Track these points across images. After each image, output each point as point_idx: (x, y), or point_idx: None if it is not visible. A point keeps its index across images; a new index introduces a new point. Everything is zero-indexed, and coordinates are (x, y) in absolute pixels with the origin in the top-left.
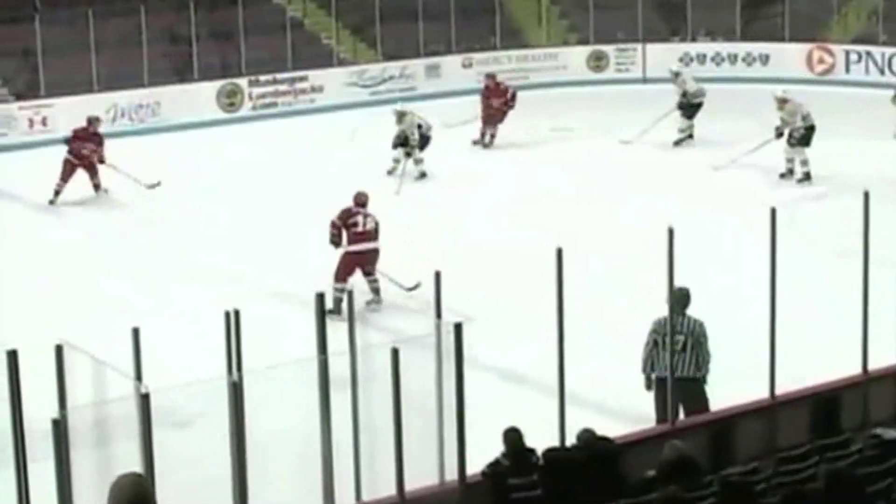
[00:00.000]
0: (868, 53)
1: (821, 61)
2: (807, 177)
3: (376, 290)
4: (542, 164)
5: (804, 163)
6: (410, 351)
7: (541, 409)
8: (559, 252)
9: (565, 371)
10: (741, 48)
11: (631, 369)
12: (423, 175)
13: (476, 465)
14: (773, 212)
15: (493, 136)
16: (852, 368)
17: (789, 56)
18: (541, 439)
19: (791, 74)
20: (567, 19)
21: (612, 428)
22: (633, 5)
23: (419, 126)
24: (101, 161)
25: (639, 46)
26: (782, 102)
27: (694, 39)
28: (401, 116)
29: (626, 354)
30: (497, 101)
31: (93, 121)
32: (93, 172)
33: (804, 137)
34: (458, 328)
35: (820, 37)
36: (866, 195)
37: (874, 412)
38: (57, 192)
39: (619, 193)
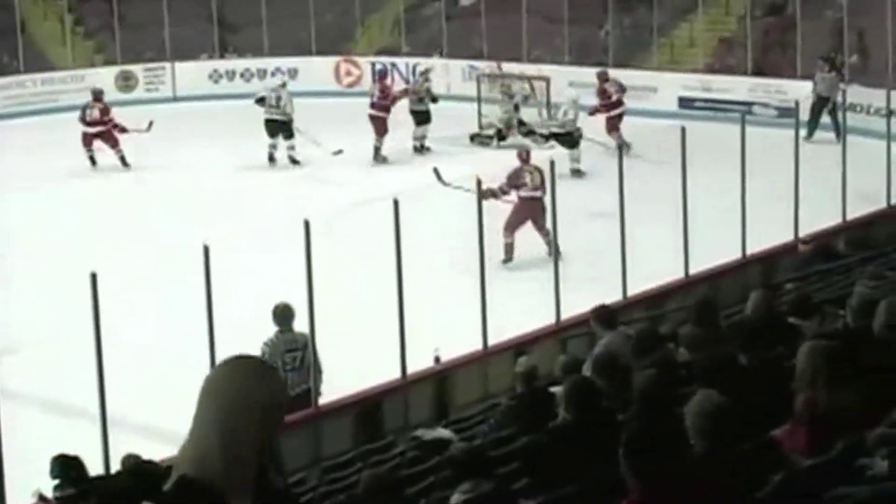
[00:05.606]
0: (393, 64)
1: (348, 73)
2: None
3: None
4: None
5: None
6: None
7: (86, 436)
8: (93, 278)
9: (106, 396)
10: (270, 63)
11: (168, 388)
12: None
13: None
14: (307, 223)
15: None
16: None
17: (317, 69)
18: (88, 468)
19: (320, 87)
20: (93, 39)
21: (158, 450)
22: (160, 24)
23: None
24: None
25: (168, 65)
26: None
27: (223, 56)
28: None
29: (162, 373)
30: None
31: None
32: None
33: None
34: None
35: (346, 49)
36: (396, 202)
37: (414, 414)
38: None
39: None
